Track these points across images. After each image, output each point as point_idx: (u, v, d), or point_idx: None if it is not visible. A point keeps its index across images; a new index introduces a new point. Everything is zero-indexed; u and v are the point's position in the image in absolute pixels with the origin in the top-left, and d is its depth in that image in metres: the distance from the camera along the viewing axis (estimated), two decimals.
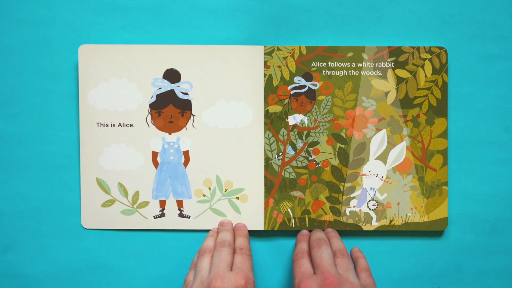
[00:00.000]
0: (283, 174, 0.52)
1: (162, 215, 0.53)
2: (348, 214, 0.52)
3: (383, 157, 0.52)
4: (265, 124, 0.52)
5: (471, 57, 0.52)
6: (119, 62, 0.52)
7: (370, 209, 0.52)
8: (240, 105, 0.52)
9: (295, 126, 0.52)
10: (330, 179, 0.52)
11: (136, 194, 0.52)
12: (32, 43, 0.52)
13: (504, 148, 0.53)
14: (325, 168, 0.52)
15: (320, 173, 0.52)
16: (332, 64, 0.52)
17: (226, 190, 0.52)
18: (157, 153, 0.52)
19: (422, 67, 0.52)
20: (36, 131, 0.53)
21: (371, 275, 0.47)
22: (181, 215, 0.53)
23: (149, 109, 0.52)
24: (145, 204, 0.52)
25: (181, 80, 0.52)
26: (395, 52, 0.52)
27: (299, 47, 0.51)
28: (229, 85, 0.52)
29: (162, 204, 0.52)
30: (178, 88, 0.52)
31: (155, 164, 0.52)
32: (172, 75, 0.52)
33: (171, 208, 0.53)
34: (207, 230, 0.53)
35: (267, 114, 0.52)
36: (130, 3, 0.52)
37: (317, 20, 0.52)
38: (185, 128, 0.52)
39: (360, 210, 0.52)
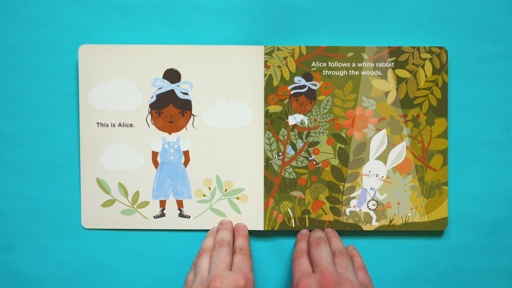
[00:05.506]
0: (283, 174, 0.52)
1: (162, 215, 0.53)
2: (348, 214, 0.52)
3: (383, 157, 0.52)
4: (265, 124, 0.52)
5: (471, 57, 0.52)
6: (119, 62, 0.52)
7: (370, 209, 0.52)
8: (240, 105, 0.52)
9: (295, 126, 0.52)
10: (330, 179, 0.52)
11: (136, 194, 0.52)
12: (32, 43, 0.52)
13: (504, 148, 0.53)
14: (325, 168, 0.52)
15: (320, 173, 0.52)
16: (332, 64, 0.52)
17: (226, 190, 0.52)
18: (157, 153, 0.52)
19: (422, 67, 0.52)
20: (36, 131, 0.53)
21: (367, 273, 0.47)
22: (181, 215, 0.53)
23: (149, 109, 0.52)
24: (145, 204, 0.52)
25: (181, 80, 0.52)
26: (395, 52, 0.52)
27: (299, 47, 0.51)
28: (229, 85, 0.52)
29: (162, 204, 0.52)
30: (178, 88, 0.52)
31: (155, 164, 0.52)
32: (172, 75, 0.52)
33: (171, 208, 0.53)
34: (207, 230, 0.53)
35: (267, 114, 0.52)
36: (130, 3, 0.52)
37: (317, 20, 0.52)
38: (185, 128, 0.52)
39: (360, 210, 0.52)
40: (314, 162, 0.52)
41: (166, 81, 0.52)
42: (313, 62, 0.52)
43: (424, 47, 0.51)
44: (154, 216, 0.53)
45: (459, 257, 0.53)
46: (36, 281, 0.53)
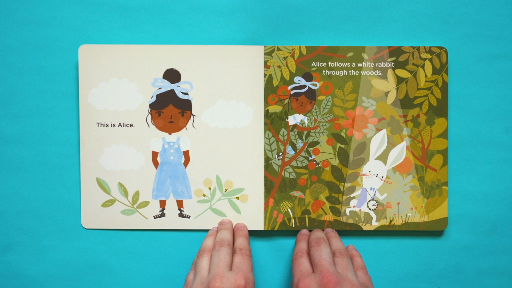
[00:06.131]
0: (283, 174, 0.52)
1: (162, 215, 0.53)
2: (348, 214, 0.52)
3: (383, 157, 0.52)
4: (265, 124, 0.52)
5: (471, 57, 0.52)
6: (119, 62, 0.52)
7: (370, 209, 0.52)
8: (240, 105, 0.52)
9: (295, 126, 0.52)
10: (330, 179, 0.52)
11: (136, 194, 0.52)
12: (32, 43, 0.52)
13: (504, 148, 0.53)
14: (325, 168, 0.52)
15: (320, 173, 0.52)
16: (332, 64, 0.52)
17: (226, 190, 0.52)
18: (157, 153, 0.52)
19: (422, 67, 0.52)
20: (36, 131, 0.53)
21: (367, 273, 0.47)
22: (181, 215, 0.53)
23: (149, 109, 0.52)
24: (145, 204, 0.52)
25: (181, 80, 0.52)
26: (395, 52, 0.52)
27: (299, 47, 0.51)
28: (229, 85, 0.52)
29: (162, 204, 0.52)
30: (178, 88, 0.52)
31: (155, 164, 0.52)
32: (172, 75, 0.52)
33: (171, 208, 0.53)
34: (207, 230, 0.53)
35: (267, 114, 0.52)
36: (130, 3, 0.52)
37: (317, 20, 0.52)
38: (185, 128, 0.52)
39: (360, 210, 0.52)
40: (314, 162, 0.52)
41: (166, 81, 0.52)
42: (313, 62, 0.52)
43: (424, 47, 0.51)
44: (154, 216, 0.53)
45: (459, 257, 0.53)
46: (36, 281, 0.53)
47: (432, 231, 0.53)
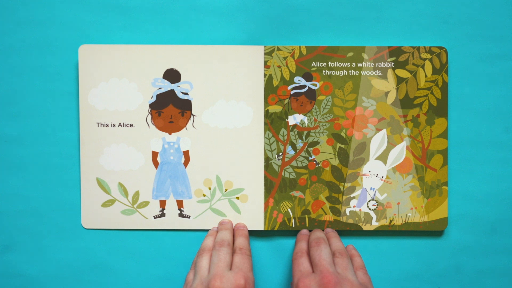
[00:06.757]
0: (283, 174, 0.52)
1: (162, 215, 0.53)
2: (348, 214, 0.52)
3: (383, 157, 0.52)
4: (265, 124, 0.52)
5: (471, 57, 0.52)
6: (119, 62, 0.52)
7: (370, 209, 0.52)
8: (240, 105, 0.52)
9: (295, 126, 0.52)
10: (330, 179, 0.52)
11: (136, 194, 0.52)
12: (32, 43, 0.52)
13: (504, 148, 0.53)
14: (325, 168, 0.52)
15: (320, 173, 0.52)
16: (332, 64, 0.52)
17: (226, 190, 0.52)
18: (157, 153, 0.52)
19: (422, 67, 0.52)
20: (36, 131, 0.53)
21: (367, 273, 0.47)
22: (181, 215, 0.53)
23: (149, 109, 0.52)
24: (145, 204, 0.52)
25: (181, 80, 0.52)
26: (395, 52, 0.52)
27: (299, 47, 0.51)
28: (229, 85, 0.52)
29: (162, 204, 0.53)
30: (178, 88, 0.52)
31: (155, 164, 0.52)
32: (172, 75, 0.52)
33: (171, 208, 0.53)
34: (207, 230, 0.53)
35: (267, 114, 0.52)
36: (130, 3, 0.52)
37: (317, 20, 0.52)
38: (185, 128, 0.52)
39: (360, 210, 0.52)
40: (314, 162, 0.52)
41: (166, 81, 0.52)
42: (313, 62, 0.52)
43: (424, 47, 0.51)
44: (154, 216, 0.53)
45: (459, 257, 0.53)
46: (36, 281, 0.53)
47: (432, 231, 0.53)
